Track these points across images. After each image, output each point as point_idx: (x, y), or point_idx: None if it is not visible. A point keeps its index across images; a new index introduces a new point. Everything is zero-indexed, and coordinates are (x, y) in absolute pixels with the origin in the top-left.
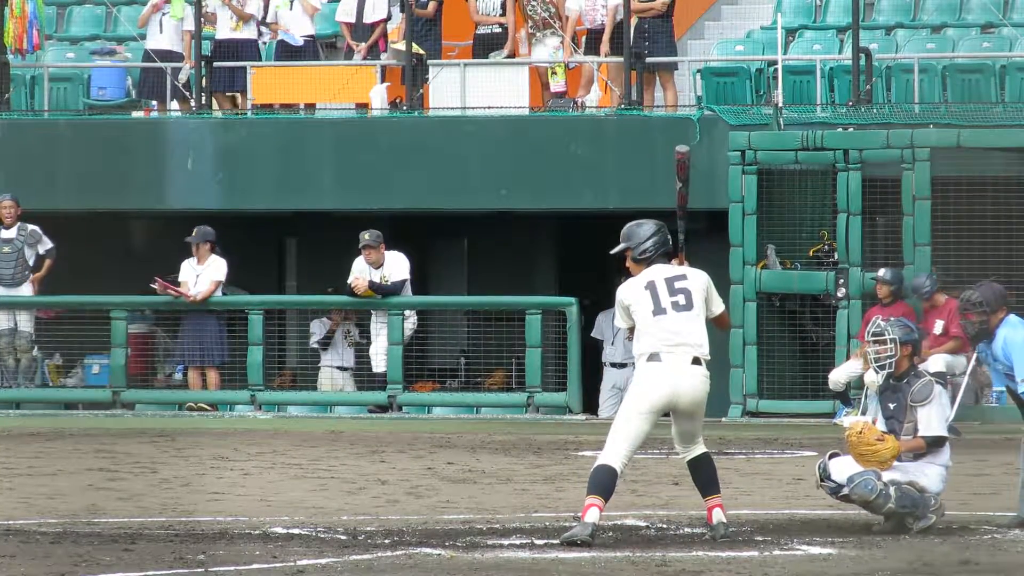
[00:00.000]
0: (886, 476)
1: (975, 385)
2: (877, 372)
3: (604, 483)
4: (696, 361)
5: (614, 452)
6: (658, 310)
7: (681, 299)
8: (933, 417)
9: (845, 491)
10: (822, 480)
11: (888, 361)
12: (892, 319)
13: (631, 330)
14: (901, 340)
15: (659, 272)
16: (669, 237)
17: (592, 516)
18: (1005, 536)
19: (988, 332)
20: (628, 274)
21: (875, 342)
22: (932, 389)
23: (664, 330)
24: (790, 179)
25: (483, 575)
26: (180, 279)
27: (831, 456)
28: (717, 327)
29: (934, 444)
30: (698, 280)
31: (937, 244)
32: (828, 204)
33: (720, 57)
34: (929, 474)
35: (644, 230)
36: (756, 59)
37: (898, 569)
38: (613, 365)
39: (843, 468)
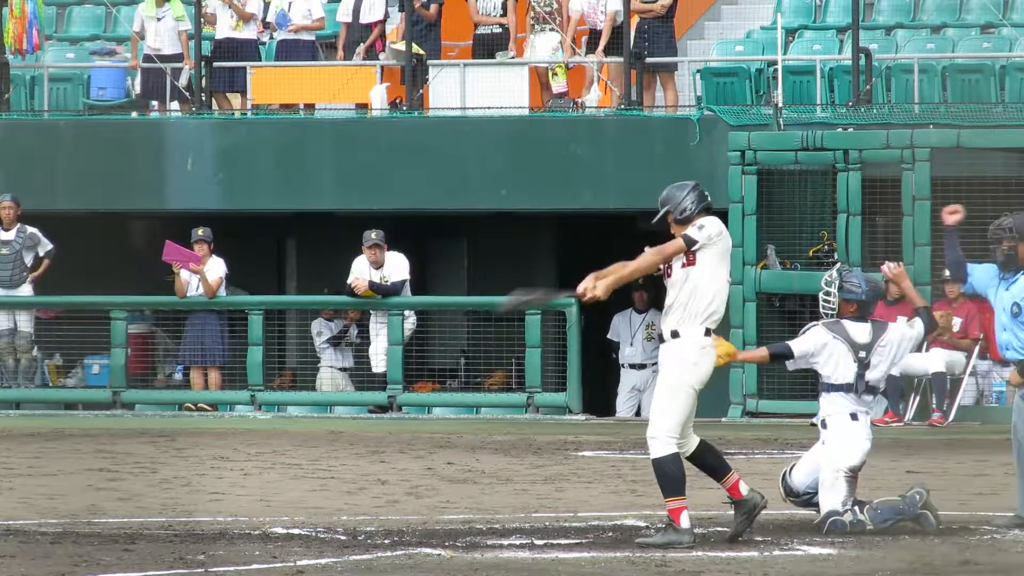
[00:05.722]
0: (840, 499)
1: (976, 385)
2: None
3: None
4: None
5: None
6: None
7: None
8: (793, 341)
9: (815, 499)
10: (787, 496)
11: (830, 311)
12: (856, 271)
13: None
14: (843, 297)
15: None
16: (707, 192)
17: (685, 521)
18: (1005, 536)
19: (1016, 260)
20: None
21: (824, 293)
22: (808, 330)
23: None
24: (790, 179)
25: (483, 575)
26: (182, 278)
27: (791, 468)
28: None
29: (778, 357)
30: None
31: (937, 244)
32: (828, 204)
33: (720, 57)
34: (847, 447)
35: (680, 191)
36: (756, 59)
37: (898, 569)
38: (632, 367)
39: (801, 476)
